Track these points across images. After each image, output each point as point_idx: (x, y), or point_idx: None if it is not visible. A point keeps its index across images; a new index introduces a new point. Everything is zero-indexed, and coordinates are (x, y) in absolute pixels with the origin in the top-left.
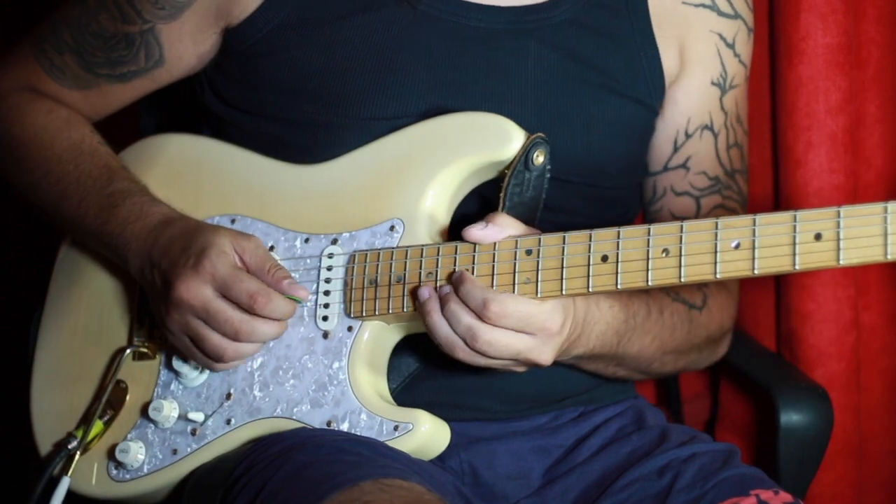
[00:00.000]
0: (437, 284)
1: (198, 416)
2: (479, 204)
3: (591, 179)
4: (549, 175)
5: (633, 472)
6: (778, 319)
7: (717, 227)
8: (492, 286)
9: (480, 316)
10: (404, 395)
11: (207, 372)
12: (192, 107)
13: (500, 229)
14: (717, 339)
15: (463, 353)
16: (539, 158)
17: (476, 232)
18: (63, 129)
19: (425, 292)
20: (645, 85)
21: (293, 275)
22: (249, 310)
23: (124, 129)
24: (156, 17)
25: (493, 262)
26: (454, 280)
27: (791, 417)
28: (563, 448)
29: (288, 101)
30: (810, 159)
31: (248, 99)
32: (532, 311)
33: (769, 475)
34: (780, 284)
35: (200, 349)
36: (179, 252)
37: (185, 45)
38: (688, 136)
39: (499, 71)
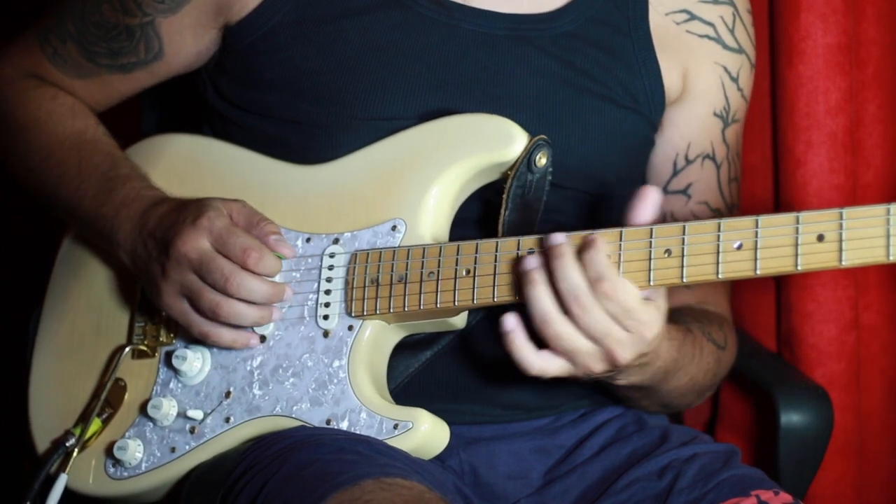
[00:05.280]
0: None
1: (197, 414)
2: (480, 206)
3: (586, 187)
4: (550, 177)
5: (633, 473)
6: (778, 319)
7: (719, 229)
8: (493, 286)
9: (592, 286)
10: (401, 399)
11: (207, 370)
12: (194, 105)
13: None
14: (718, 383)
15: (554, 323)
16: (542, 160)
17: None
18: (67, 115)
19: (531, 261)
20: (644, 97)
21: (294, 274)
22: (242, 264)
23: (126, 126)
24: (155, 10)
25: (495, 262)
26: (586, 240)
27: (791, 417)
28: (564, 448)
29: (287, 100)
30: (810, 159)
31: (249, 97)
32: (637, 310)
33: (769, 475)
34: (781, 284)
35: (197, 308)
36: (174, 217)
37: (185, 40)
38: (688, 161)
39: (497, 75)
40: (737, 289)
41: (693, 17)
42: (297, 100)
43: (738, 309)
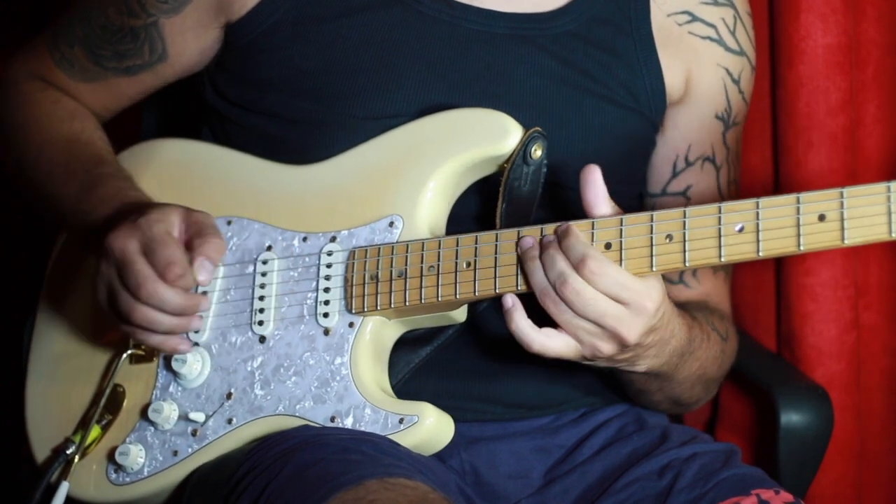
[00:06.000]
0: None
1: (198, 417)
2: (475, 201)
3: None
4: (545, 169)
5: (633, 472)
6: (778, 319)
7: (720, 212)
8: (494, 278)
9: (577, 270)
10: (402, 395)
11: (207, 372)
12: (193, 105)
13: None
14: (722, 377)
15: (552, 303)
16: (537, 152)
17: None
18: (65, 118)
19: (528, 240)
20: (646, 98)
21: (292, 273)
22: (161, 276)
23: (126, 127)
24: (159, 10)
25: (496, 253)
26: (559, 231)
27: (791, 417)
28: (564, 448)
29: (286, 98)
30: (810, 159)
31: (248, 96)
32: (629, 281)
33: (769, 475)
34: (781, 284)
35: (113, 305)
36: (128, 214)
37: (187, 40)
38: (688, 163)
39: (497, 74)
40: (737, 289)
41: (695, 18)
42: (296, 98)
43: (739, 309)
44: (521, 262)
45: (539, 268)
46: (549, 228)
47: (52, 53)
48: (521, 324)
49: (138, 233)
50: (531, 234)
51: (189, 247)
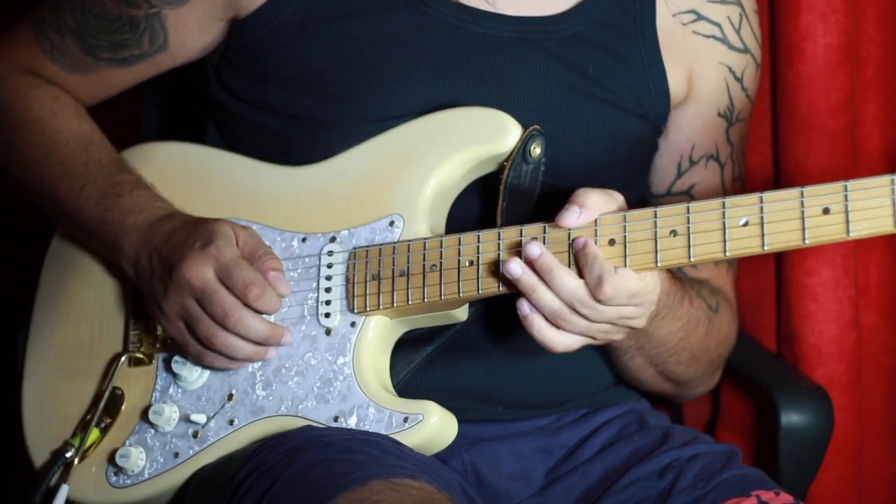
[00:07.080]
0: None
1: (200, 418)
2: (475, 199)
3: None
4: (544, 168)
5: (634, 472)
6: (778, 320)
7: (724, 207)
8: (498, 276)
9: (593, 292)
10: (403, 395)
11: (207, 374)
12: (196, 100)
13: (591, 212)
14: (718, 360)
15: (566, 322)
16: (536, 150)
17: (571, 219)
18: (73, 117)
19: (518, 270)
20: (650, 102)
21: (292, 274)
22: (242, 298)
23: (125, 127)
24: (163, 1)
25: (499, 251)
26: (576, 247)
27: (791, 418)
28: (566, 448)
29: (290, 96)
30: (810, 159)
31: (253, 91)
32: (637, 287)
33: (769, 476)
34: (781, 284)
35: (193, 333)
36: (184, 238)
37: (191, 32)
38: (692, 162)
39: (502, 78)
40: (737, 289)
41: (700, 17)
42: (301, 96)
43: (739, 309)
44: (525, 294)
45: (545, 295)
46: (553, 226)
47: (41, 43)
48: (544, 329)
49: (211, 260)
50: (534, 233)
51: None
